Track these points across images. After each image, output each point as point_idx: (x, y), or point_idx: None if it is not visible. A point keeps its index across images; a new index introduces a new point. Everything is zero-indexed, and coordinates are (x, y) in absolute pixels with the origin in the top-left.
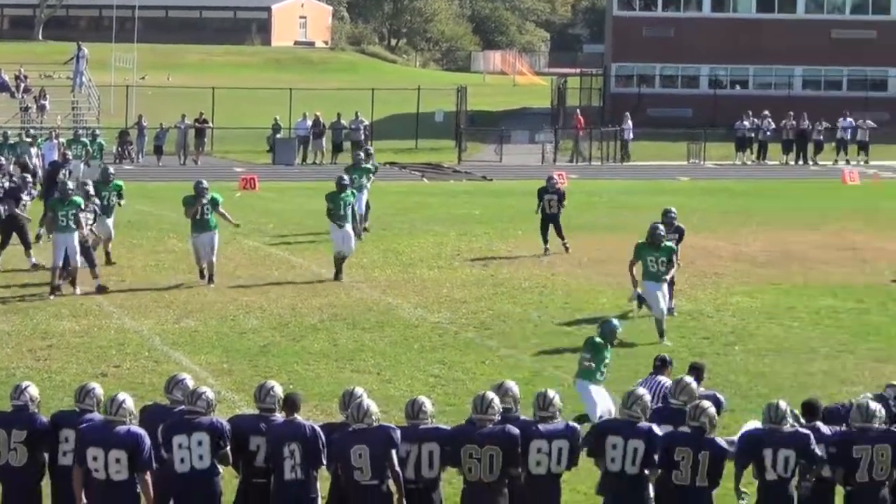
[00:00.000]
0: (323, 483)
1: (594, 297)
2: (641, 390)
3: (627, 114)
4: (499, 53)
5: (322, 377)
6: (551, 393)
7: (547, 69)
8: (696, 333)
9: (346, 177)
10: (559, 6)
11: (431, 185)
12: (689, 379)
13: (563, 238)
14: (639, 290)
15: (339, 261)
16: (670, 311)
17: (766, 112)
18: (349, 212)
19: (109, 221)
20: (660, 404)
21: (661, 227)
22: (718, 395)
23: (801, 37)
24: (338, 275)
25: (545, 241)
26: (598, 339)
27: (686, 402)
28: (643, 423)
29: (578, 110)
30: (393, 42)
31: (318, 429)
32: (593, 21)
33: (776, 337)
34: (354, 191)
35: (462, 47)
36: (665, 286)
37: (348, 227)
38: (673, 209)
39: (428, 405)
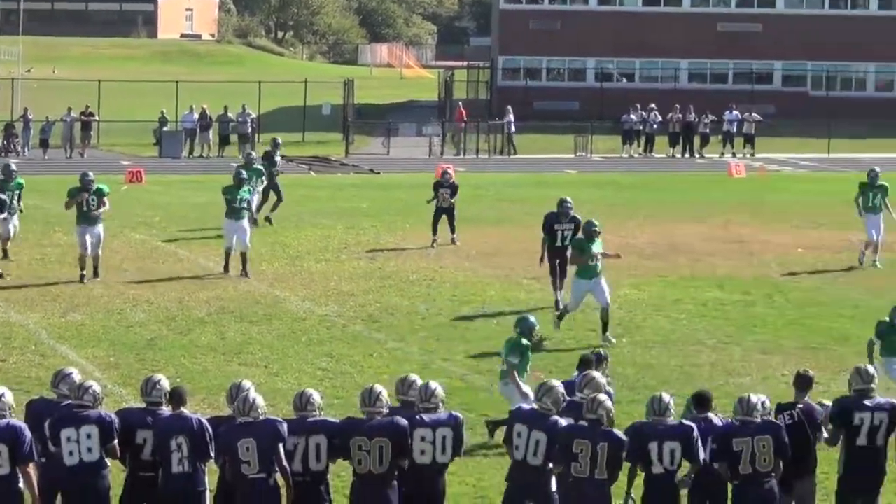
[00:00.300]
0: (210, 476)
1: (482, 289)
2: (554, 382)
3: (509, 107)
4: (386, 46)
5: (209, 370)
6: (433, 384)
7: (434, 62)
8: (583, 325)
9: (244, 171)
10: None
11: (319, 178)
12: (596, 374)
13: (453, 231)
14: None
15: (240, 257)
16: (563, 311)
17: (653, 105)
18: (245, 206)
19: (14, 219)
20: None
21: (595, 221)
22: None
23: (687, 30)
24: (244, 270)
25: (434, 233)
26: (522, 341)
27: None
28: (552, 417)
29: (460, 103)
30: (280, 35)
31: (205, 422)
32: (480, 14)
33: (663, 329)
34: (251, 187)
35: (349, 40)
36: (601, 280)
37: (244, 222)
38: (568, 199)
39: (316, 397)
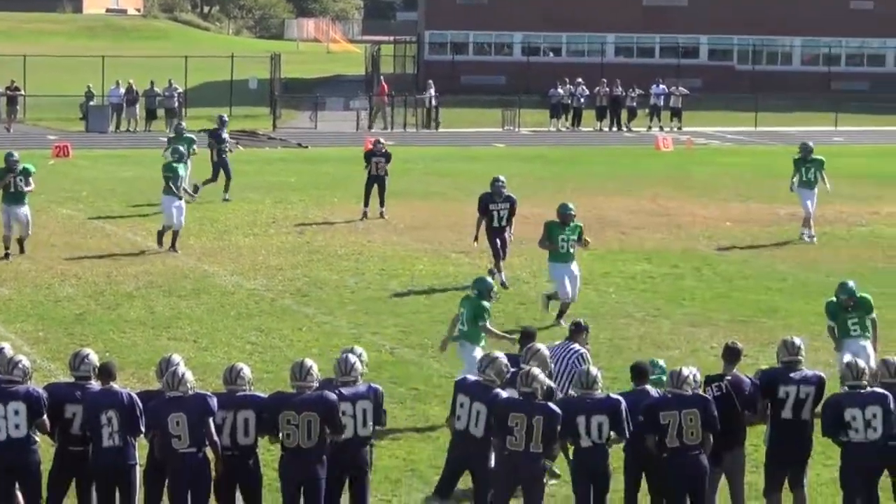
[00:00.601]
0: (140, 451)
1: (410, 263)
2: (497, 353)
3: (430, 81)
4: (312, 21)
5: (138, 345)
6: (352, 358)
7: (361, 37)
8: (512, 299)
9: (181, 147)
10: None
11: (246, 153)
12: (541, 346)
13: (382, 205)
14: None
15: (171, 232)
16: (552, 295)
17: (580, 79)
18: (182, 185)
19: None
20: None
21: (571, 204)
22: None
23: (614, 4)
24: (172, 246)
25: (366, 204)
26: (483, 302)
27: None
28: (494, 388)
29: (382, 77)
30: (206, 9)
31: (135, 396)
32: None
33: (592, 302)
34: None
35: (275, 15)
36: (574, 266)
37: (181, 201)
38: (501, 178)
39: (246, 372)
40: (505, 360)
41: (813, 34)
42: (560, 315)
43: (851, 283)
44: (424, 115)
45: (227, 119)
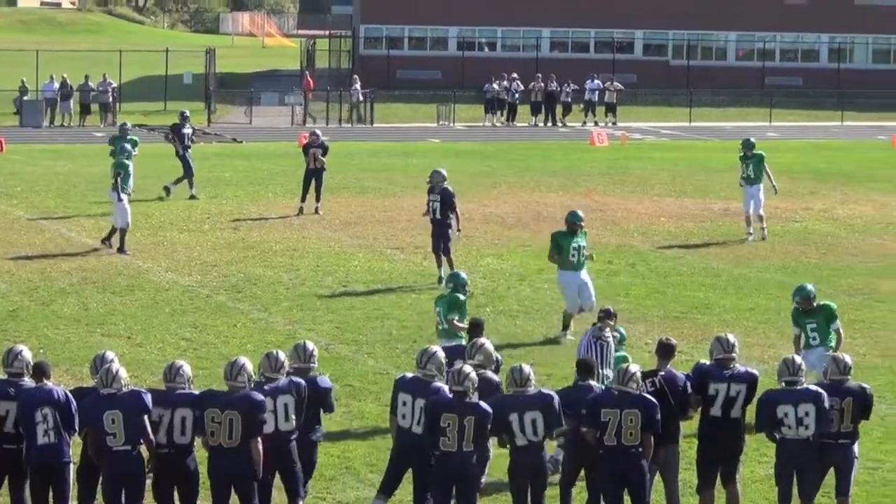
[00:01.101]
0: (73, 448)
1: (345, 260)
2: (434, 347)
3: (356, 76)
4: (247, 15)
5: (72, 341)
6: (281, 355)
7: (296, 31)
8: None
9: (128, 145)
10: None
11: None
12: (486, 340)
13: (318, 199)
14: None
15: (123, 232)
16: (567, 316)
17: (515, 74)
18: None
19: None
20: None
21: (580, 212)
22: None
23: None
24: (122, 248)
25: (303, 199)
26: (459, 296)
27: (483, 363)
28: (434, 383)
29: (307, 73)
30: (141, 3)
31: (69, 394)
32: None
33: (527, 298)
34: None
35: (210, 9)
36: (585, 274)
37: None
38: (440, 170)
39: (186, 370)
40: (443, 354)
41: (747, 29)
42: (565, 328)
43: (810, 287)
44: (351, 110)
45: (188, 114)
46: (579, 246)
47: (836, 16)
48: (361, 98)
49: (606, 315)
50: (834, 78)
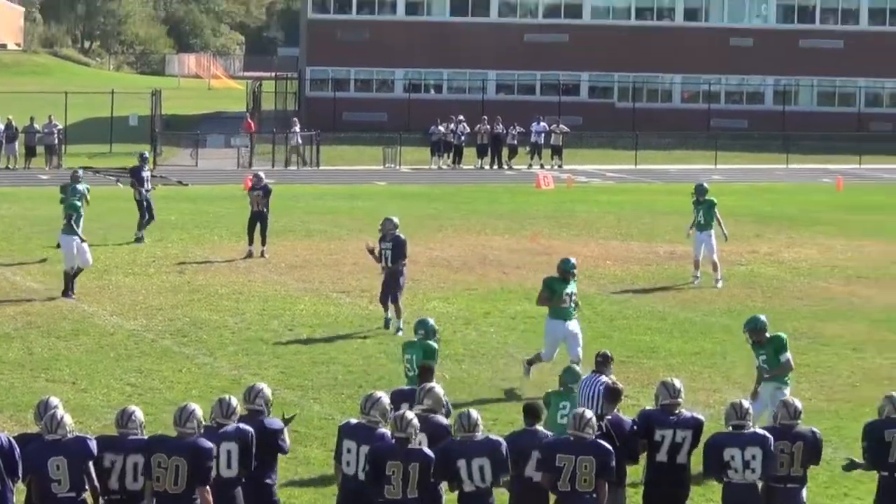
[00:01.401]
0: (18, 496)
1: (291, 303)
2: (379, 393)
3: (295, 119)
4: (193, 57)
5: (16, 387)
6: (234, 400)
7: (242, 73)
8: (394, 339)
9: (80, 187)
10: (254, 8)
11: (127, 191)
12: (437, 385)
13: (264, 242)
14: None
15: (73, 275)
16: (535, 357)
17: (461, 116)
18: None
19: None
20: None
21: (573, 259)
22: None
23: (495, 41)
24: (67, 291)
25: (250, 243)
26: (431, 343)
27: (432, 407)
28: (378, 430)
29: (248, 115)
30: (87, 45)
31: (13, 440)
32: (288, 24)
33: (473, 342)
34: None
35: (156, 50)
36: (576, 324)
37: (81, 241)
38: (392, 218)
39: (138, 415)
40: (387, 400)
41: (693, 71)
42: (530, 364)
43: (761, 318)
44: (290, 153)
45: (147, 156)
46: (571, 293)
47: (782, 58)
48: (300, 141)
49: (605, 360)
50: (779, 120)
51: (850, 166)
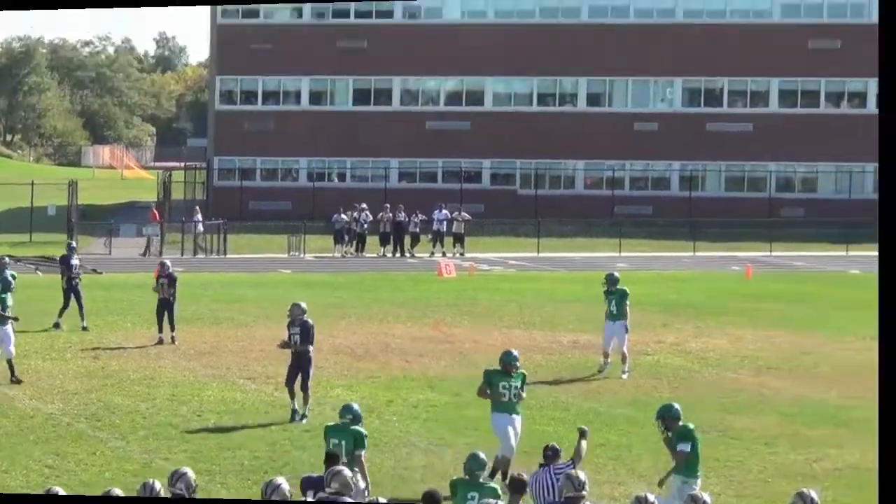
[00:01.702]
0: None
1: (199, 389)
2: (279, 480)
3: (197, 207)
4: (108, 148)
5: None
6: (157, 484)
7: (154, 163)
8: (297, 426)
9: (8, 276)
10: (164, 101)
11: (45, 279)
12: (345, 469)
13: (173, 328)
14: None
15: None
16: (502, 461)
17: (364, 205)
18: (8, 313)
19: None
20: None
21: (515, 351)
22: None
23: (397, 129)
24: (14, 376)
25: (160, 330)
26: (361, 429)
27: (340, 490)
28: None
29: (154, 205)
30: (8, 137)
31: None
32: (197, 115)
33: (376, 431)
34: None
35: (73, 142)
36: (518, 419)
37: (8, 328)
38: (300, 303)
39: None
40: (287, 487)
41: (596, 157)
42: (492, 474)
43: (675, 405)
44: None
45: (75, 245)
46: (511, 386)
47: (688, 142)
48: (202, 230)
49: (554, 453)
50: (685, 206)
51: (761, 253)
